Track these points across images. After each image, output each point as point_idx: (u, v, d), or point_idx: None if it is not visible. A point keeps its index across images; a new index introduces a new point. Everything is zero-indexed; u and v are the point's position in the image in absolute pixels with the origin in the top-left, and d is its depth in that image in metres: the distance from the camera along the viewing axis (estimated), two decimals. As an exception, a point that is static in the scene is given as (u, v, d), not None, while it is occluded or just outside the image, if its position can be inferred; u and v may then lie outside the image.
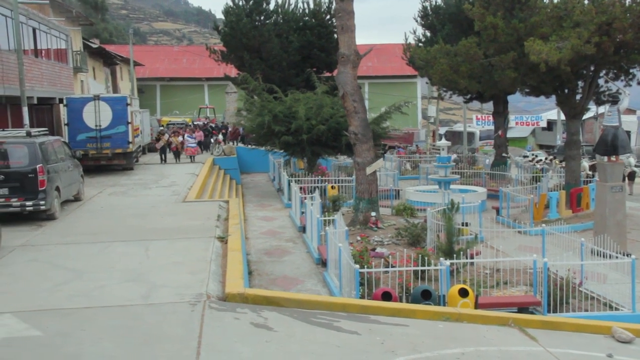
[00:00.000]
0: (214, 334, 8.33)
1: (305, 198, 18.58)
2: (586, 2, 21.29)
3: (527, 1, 22.79)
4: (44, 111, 29.02)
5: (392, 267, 12.64)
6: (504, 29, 21.93)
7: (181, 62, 65.52)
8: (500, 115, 34.25)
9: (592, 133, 51.78)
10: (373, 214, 18.73)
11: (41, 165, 16.02)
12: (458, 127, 57.46)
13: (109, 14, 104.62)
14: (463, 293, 11.16)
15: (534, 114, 64.80)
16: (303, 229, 18.62)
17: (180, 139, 33.38)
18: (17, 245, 13.63)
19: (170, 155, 32.45)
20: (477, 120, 59.55)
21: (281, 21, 39.14)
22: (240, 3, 39.00)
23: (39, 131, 18.37)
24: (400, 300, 11.52)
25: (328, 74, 37.73)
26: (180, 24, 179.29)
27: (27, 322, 8.72)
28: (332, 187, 22.97)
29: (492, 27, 22.06)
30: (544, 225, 16.59)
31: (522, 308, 11.91)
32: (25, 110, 22.36)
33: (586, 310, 12.02)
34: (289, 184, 23.49)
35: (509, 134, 42.36)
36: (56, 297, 9.95)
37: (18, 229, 15.21)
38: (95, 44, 43.74)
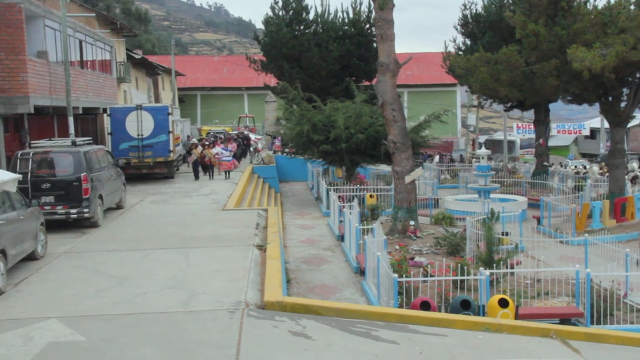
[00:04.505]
0: (252, 341, 8.39)
1: (343, 207, 18.59)
2: (632, 7, 20.89)
3: (570, 8, 22.46)
4: (88, 121, 29.68)
5: (431, 276, 12.54)
6: (546, 36, 21.66)
7: (221, 72, 66.30)
8: (542, 123, 33.76)
9: (638, 141, 50.62)
10: (412, 222, 18.63)
11: (85, 173, 16.37)
12: (498, 136, 56.82)
13: (152, 25, 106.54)
14: (503, 303, 11.00)
15: (576, 122, 63.65)
16: (341, 238, 18.62)
17: (214, 151, 29.04)
18: (62, 251, 13.96)
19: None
20: (517, 128, 58.79)
21: (321, 30, 39.30)
22: (280, 13, 39.32)
23: (83, 140, 18.80)
24: (439, 310, 11.42)
25: (367, 83, 37.71)
26: (220, 34, 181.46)
27: (71, 327, 8.93)
28: (371, 196, 22.91)
29: (534, 34, 21.81)
30: (586, 235, 16.27)
31: (564, 319, 11.68)
32: (70, 120, 22.91)
33: (631, 323, 11.74)
34: (328, 193, 23.53)
35: (551, 143, 41.72)
36: (99, 303, 10.15)
37: (63, 236, 15.58)
38: (138, 54, 44.60)
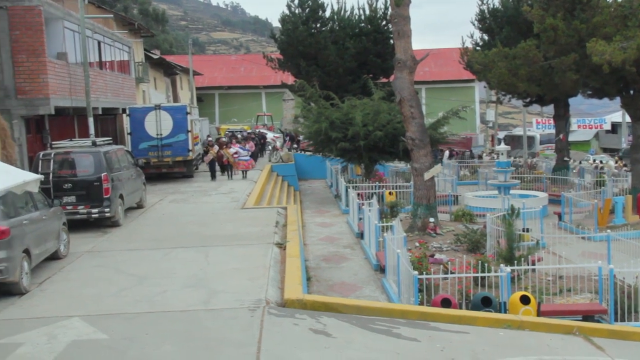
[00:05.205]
0: (273, 339, 8.41)
1: (362, 204, 18.56)
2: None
3: (589, 1, 22.17)
4: (107, 121, 29.92)
5: (452, 273, 12.49)
6: (565, 30, 21.42)
7: (239, 71, 66.50)
8: (562, 118, 33.44)
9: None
10: (431, 219, 18.55)
11: (106, 173, 16.52)
12: (517, 131, 56.34)
13: (169, 25, 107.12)
14: (525, 300, 10.91)
15: (597, 116, 62.94)
16: (361, 235, 18.60)
17: (231, 150, 28.46)
18: (84, 251, 14.10)
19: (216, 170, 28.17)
20: (537, 123, 58.24)
21: (337, 28, 39.27)
22: (297, 11, 39.34)
23: (103, 140, 18.96)
24: (460, 307, 11.37)
25: (384, 80, 37.61)
26: (237, 33, 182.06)
27: (94, 325, 9.01)
28: (390, 193, 22.86)
29: (552, 28, 21.58)
30: (609, 231, 16.08)
31: (587, 316, 11.56)
32: (90, 120, 23.12)
33: (656, 320, 11.59)
34: (347, 190, 23.51)
35: (571, 138, 41.28)
36: (121, 301, 10.24)
37: (85, 236, 15.73)
38: (156, 54, 44.85)
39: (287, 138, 42.25)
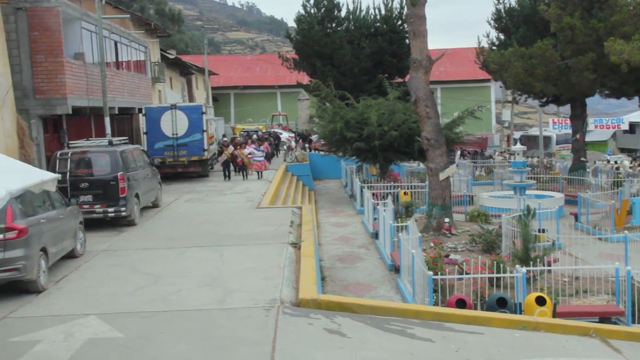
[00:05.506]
0: (287, 339, 8.43)
1: (377, 204, 18.53)
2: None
3: (607, 0, 22.02)
4: (124, 121, 30.12)
5: (467, 274, 12.44)
6: (582, 29, 21.28)
7: (254, 71, 66.66)
8: (578, 118, 33.13)
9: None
10: (446, 220, 18.49)
11: (122, 173, 16.62)
12: (534, 131, 55.96)
13: (185, 25, 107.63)
14: (540, 301, 10.85)
15: (614, 116, 62.20)
16: (376, 235, 18.58)
17: (246, 151, 28.30)
18: (100, 249, 14.20)
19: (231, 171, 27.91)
20: (553, 123, 57.69)
21: (352, 28, 39.26)
22: (312, 11, 39.38)
23: (119, 140, 19.08)
24: (475, 308, 11.32)
25: (400, 80, 37.54)
26: (253, 33, 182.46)
27: (110, 323, 9.08)
28: (405, 193, 22.80)
29: (570, 27, 21.45)
30: (626, 232, 15.94)
31: (604, 318, 11.47)
32: (107, 120, 23.30)
33: (675, 322, 11.47)
34: (361, 190, 23.49)
35: (588, 138, 40.88)
36: (136, 300, 10.31)
37: (101, 234, 15.85)
38: (172, 54, 45.09)
39: (299, 138, 42.26)
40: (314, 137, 41.10)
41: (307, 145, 40.98)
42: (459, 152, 41.41)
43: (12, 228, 10.57)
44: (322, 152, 35.15)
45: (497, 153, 46.44)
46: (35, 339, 8.55)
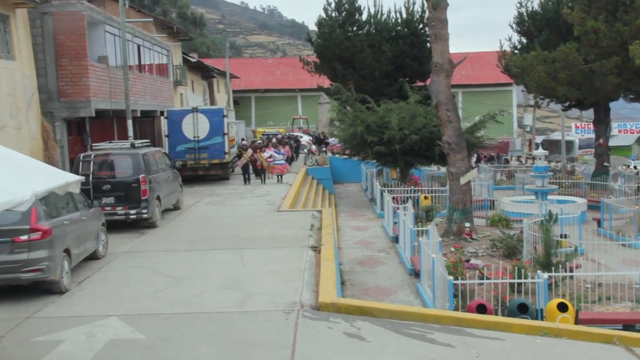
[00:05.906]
0: (307, 342, 8.44)
1: (398, 208, 18.49)
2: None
3: (632, 2, 21.76)
4: (146, 123, 30.38)
5: (487, 279, 12.36)
6: (606, 32, 21.07)
7: (275, 74, 66.90)
8: (602, 122, 32.79)
9: None
10: (467, 224, 18.38)
11: (144, 175, 16.76)
12: (556, 136, 55.48)
13: (207, 28, 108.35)
14: (562, 307, 10.75)
15: (638, 121, 61.57)
16: (396, 239, 18.53)
17: (265, 154, 27.76)
18: (122, 251, 14.33)
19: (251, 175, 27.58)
20: (576, 128, 57.23)
21: (374, 31, 39.18)
22: (333, 14, 39.36)
23: (141, 143, 19.25)
24: (496, 314, 11.24)
25: (421, 84, 37.41)
26: (274, 36, 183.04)
27: (131, 325, 9.16)
28: (425, 197, 22.72)
29: (593, 31, 21.25)
30: (650, 238, 15.74)
31: (628, 325, 11.31)
32: (129, 123, 23.52)
33: (700, 330, 11.28)
34: (382, 194, 23.45)
35: (612, 143, 40.43)
36: (157, 302, 10.39)
37: (123, 236, 15.99)
38: (194, 58, 45.39)
39: (314, 141, 42.26)
40: (330, 140, 41.12)
41: (324, 148, 40.99)
42: (475, 157, 41.07)
43: (36, 229, 10.71)
44: (338, 155, 35.09)
45: (513, 158, 46.09)
46: (58, 339, 8.65)
